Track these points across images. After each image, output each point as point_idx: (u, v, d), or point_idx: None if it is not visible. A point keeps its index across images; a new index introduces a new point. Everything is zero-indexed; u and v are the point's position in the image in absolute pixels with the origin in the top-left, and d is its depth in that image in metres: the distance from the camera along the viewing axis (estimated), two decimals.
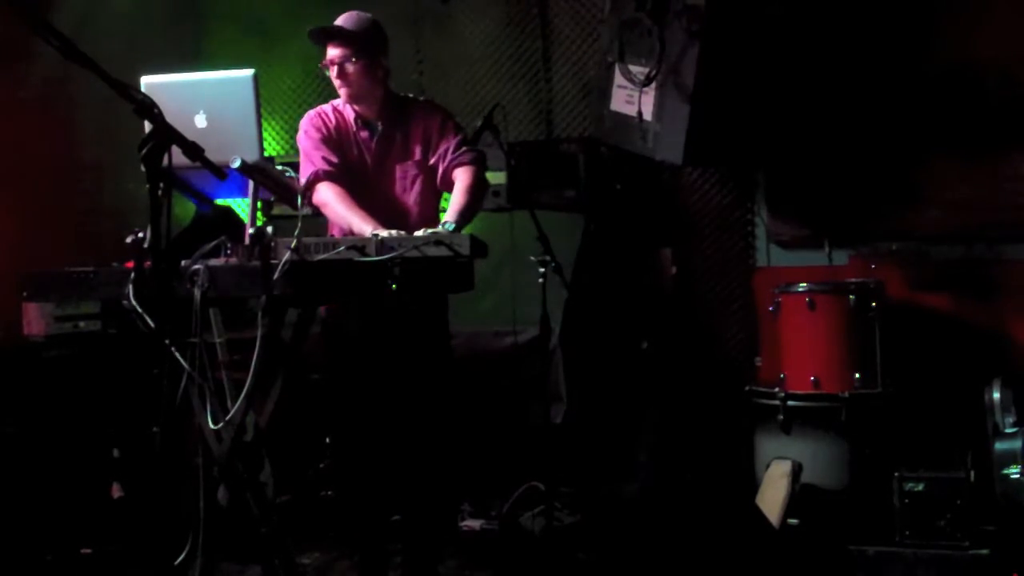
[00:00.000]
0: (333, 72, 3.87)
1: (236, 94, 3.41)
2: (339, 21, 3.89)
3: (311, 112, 4.03)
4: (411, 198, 3.96)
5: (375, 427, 3.96)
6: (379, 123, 3.96)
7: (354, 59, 3.84)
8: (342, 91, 3.90)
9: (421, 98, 4.10)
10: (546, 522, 4.37)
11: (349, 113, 3.98)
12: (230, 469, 3.39)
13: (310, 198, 3.86)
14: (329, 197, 3.82)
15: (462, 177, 3.89)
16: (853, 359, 4.69)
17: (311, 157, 3.90)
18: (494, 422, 4.95)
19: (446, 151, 3.93)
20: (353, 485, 4.07)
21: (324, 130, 3.96)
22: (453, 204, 3.80)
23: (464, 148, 3.94)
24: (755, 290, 5.52)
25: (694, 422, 5.29)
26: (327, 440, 4.84)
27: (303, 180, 3.82)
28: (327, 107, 4.02)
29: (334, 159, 3.90)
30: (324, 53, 3.88)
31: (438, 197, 4.04)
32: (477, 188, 3.90)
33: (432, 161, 3.95)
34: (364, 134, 3.97)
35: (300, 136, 3.99)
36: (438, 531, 4.10)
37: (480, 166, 3.95)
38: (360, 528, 4.05)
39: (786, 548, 4.29)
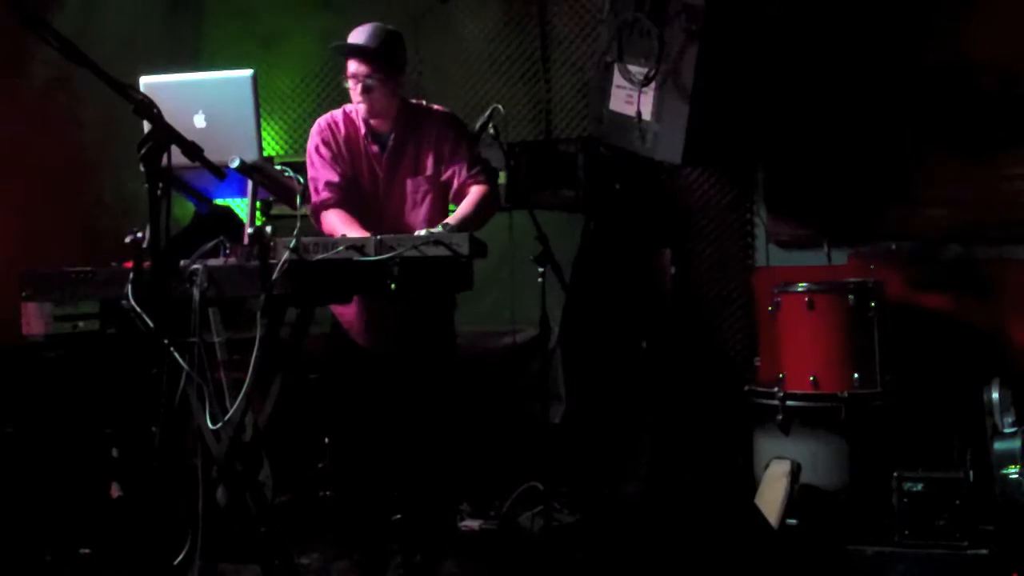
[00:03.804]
0: (354, 87, 3.84)
1: (235, 94, 3.42)
2: (362, 36, 3.82)
3: (322, 121, 3.99)
4: (419, 215, 3.94)
5: (375, 427, 3.96)
6: (391, 135, 3.94)
7: (376, 76, 3.81)
8: (361, 107, 3.88)
9: (435, 107, 4.06)
10: (545, 522, 4.36)
11: (361, 124, 3.94)
12: (229, 469, 3.39)
13: (319, 223, 3.91)
14: (335, 223, 3.83)
15: (474, 191, 3.91)
16: (852, 359, 4.69)
17: (316, 182, 3.91)
18: (493, 422, 4.94)
19: (460, 168, 3.93)
20: (352, 485, 4.07)
21: (333, 145, 3.94)
22: (458, 211, 3.84)
23: (479, 167, 3.95)
24: (754, 290, 5.51)
25: (693, 422, 5.29)
26: (327, 440, 4.84)
27: (311, 203, 3.86)
28: (338, 113, 3.99)
29: (337, 178, 3.90)
30: (345, 66, 3.84)
31: (446, 215, 4.02)
32: (486, 204, 3.92)
33: (445, 176, 3.95)
34: (375, 148, 3.94)
35: (309, 149, 3.98)
36: (437, 531, 4.11)
37: (494, 186, 3.99)
38: (360, 528, 4.05)
39: (785, 548, 4.29)
